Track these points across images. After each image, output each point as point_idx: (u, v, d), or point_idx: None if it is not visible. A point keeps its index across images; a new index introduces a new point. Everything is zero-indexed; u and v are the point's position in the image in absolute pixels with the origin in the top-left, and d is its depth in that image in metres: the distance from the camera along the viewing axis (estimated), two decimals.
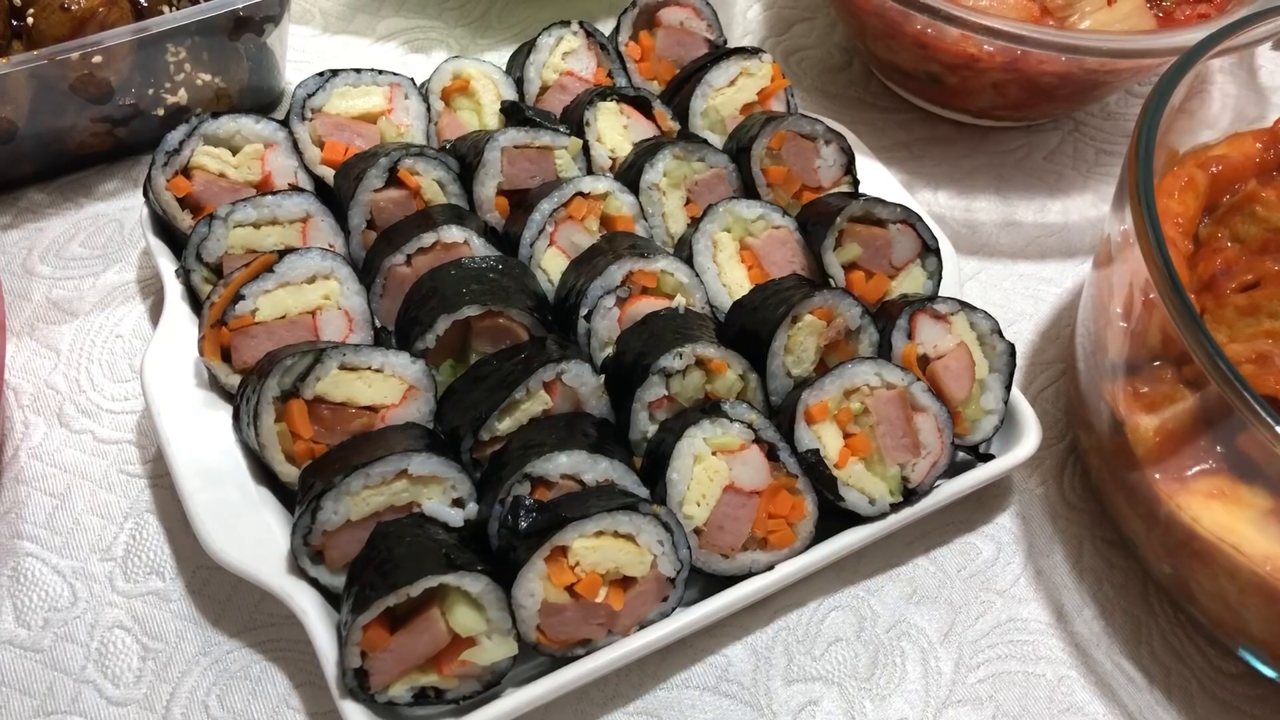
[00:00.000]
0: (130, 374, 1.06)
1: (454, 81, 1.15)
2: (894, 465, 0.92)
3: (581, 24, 1.19)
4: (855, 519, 0.91)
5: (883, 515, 0.91)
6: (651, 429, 0.91)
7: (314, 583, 0.85)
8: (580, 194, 1.03)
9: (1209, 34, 0.97)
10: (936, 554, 0.98)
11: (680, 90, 1.17)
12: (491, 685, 0.82)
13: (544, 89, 1.17)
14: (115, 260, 1.14)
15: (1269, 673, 0.90)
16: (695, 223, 1.04)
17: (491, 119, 1.14)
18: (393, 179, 1.03)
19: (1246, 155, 1.03)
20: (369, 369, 0.90)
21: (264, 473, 0.91)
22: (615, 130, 1.11)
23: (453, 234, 0.99)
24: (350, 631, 0.78)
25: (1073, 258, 1.20)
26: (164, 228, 1.06)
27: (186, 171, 1.04)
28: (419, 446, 0.86)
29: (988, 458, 0.96)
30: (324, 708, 0.87)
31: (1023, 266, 1.19)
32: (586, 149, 1.10)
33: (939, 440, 0.93)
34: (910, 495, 0.92)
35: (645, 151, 1.07)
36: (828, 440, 0.91)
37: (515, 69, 1.19)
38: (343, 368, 0.89)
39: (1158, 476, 0.88)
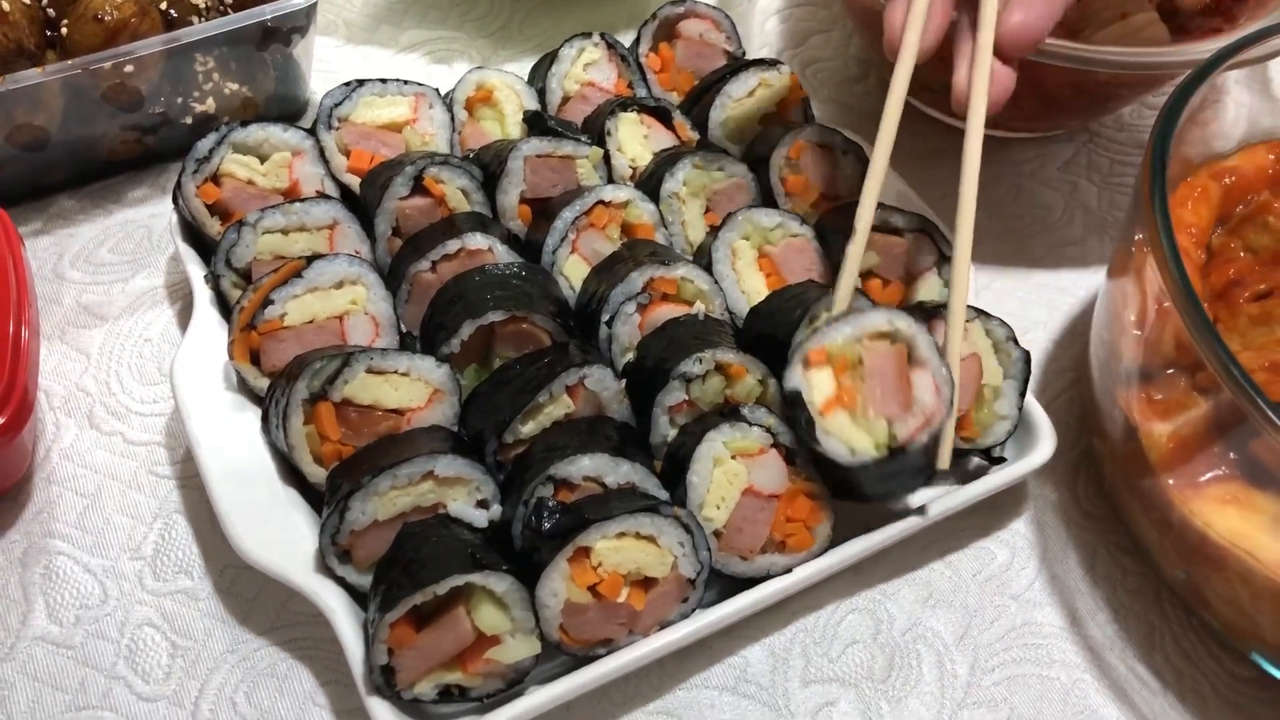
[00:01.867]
0: (159, 377, 1.07)
1: (477, 92, 1.17)
2: (880, 419, 0.87)
3: (603, 35, 1.21)
4: (872, 524, 0.93)
5: (863, 466, 0.86)
6: (672, 433, 0.93)
7: (341, 582, 0.87)
8: (601, 202, 1.04)
9: (1223, 48, 0.98)
10: (952, 558, 0.99)
11: (700, 101, 1.19)
12: (515, 683, 0.84)
13: (566, 99, 1.19)
14: (144, 266, 1.16)
15: None
16: (714, 231, 1.05)
17: (514, 129, 1.16)
18: (418, 187, 1.05)
19: (1259, 167, 1.05)
20: (396, 373, 0.92)
21: (292, 474, 0.93)
22: (636, 140, 1.13)
23: (477, 241, 1.01)
24: (378, 629, 0.80)
25: (1087, 267, 1.21)
26: (193, 234, 1.08)
27: (216, 178, 1.06)
28: (445, 449, 0.87)
29: (1000, 460, 0.98)
30: (349, 705, 0.89)
31: (1037, 275, 1.21)
32: (608, 158, 1.12)
33: (935, 400, 0.87)
34: (896, 454, 0.86)
35: (665, 161, 1.09)
36: (817, 385, 0.88)
37: (537, 79, 1.21)
38: (370, 371, 0.91)
39: (1171, 482, 0.89)
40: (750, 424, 0.90)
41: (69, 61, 1.07)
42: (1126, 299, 0.95)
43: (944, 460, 0.89)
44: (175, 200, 1.07)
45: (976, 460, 1.00)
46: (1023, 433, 0.99)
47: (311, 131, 1.10)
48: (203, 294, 1.03)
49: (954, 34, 0.93)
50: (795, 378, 0.87)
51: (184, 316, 1.11)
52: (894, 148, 1.29)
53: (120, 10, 1.10)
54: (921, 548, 0.99)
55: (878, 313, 0.89)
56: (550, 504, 0.85)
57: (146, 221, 1.19)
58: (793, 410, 0.87)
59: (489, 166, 1.09)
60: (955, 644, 0.94)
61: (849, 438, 0.87)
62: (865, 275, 1.03)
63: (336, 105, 1.11)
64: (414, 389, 0.92)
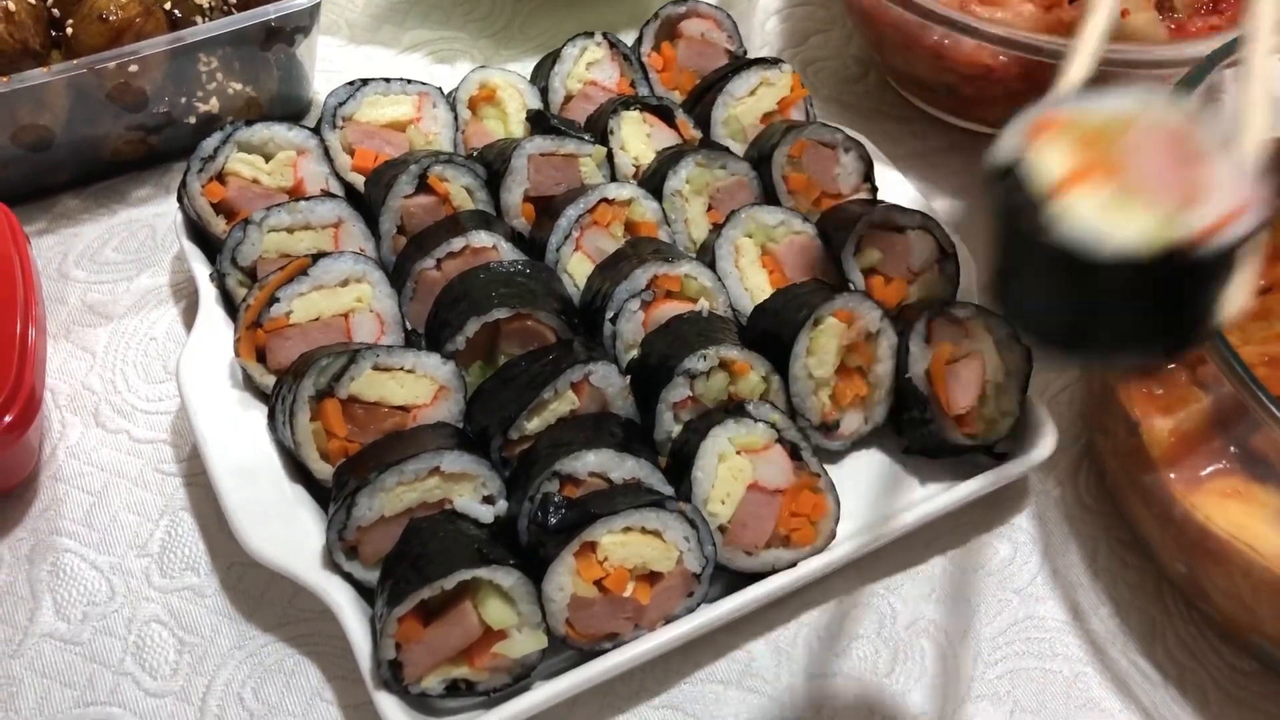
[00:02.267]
0: (164, 375, 1.08)
1: (480, 91, 1.18)
2: (1156, 207, 0.57)
3: (605, 35, 1.22)
4: (875, 520, 0.93)
5: (1122, 269, 0.56)
6: (676, 429, 0.93)
7: (348, 577, 0.87)
8: (605, 200, 1.05)
9: (1221, 45, 0.99)
10: (954, 553, 1.00)
11: (702, 99, 1.19)
12: (521, 678, 0.84)
13: (568, 98, 1.19)
14: (148, 265, 1.16)
15: None
16: (718, 228, 1.06)
17: (517, 127, 1.17)
18: (422, 185, 1.06)
19: None
20: (401, 369, 0.92)
21: (298, 471, 0.93)
22: (639, 138, 1.14)
23: (481, 239, 1.01)
24: (385, 624, 0.80)
25: None
26: (197, 232, 1.08)
27: (221, 177, 1.07)
28: (451, 445, 0.88)
29: (1003, 457, 0.98)
30: (356, 700, 0.89)
31: None
32: (611, 157, 1.12)
33: (1239, 190, 0.57)
34: (1181, 255, 0.55)
35: (668, 159, 1.10)
36: (1048, 159, 0.59)
37: (540, 79, 1.22)
38: (376, 368, 0.91)
39: (1172, 477, 0.90)
40: (755, 420, 0.91)
41: (74, 61, 1.08)
42: None
43: (1236, 299, 0.59)
44: (180, 199, 1.08)
45: (979, 456, 1.01)
46: (1024, 429, 0.99)
47: (316, 130, 1.11)
48: (208, 292, 1.03)
49: None
50: (1011, 146, 0.60)
51: (189, 315, 1.11)
52: (893, 147, 1.30)
53: (125, 10, 1.11)
54: (924, 543, 0.99)
55: (1136, 90, 0.62)
56: (556, 499, 0.85)
57: (151, 221, 1.20)
58: (1000, 190, 0.59)
59: (493, 165, 1.09)
60: (958, 638, 0.95)
61: (1111, 219, 0.56)
62: (867, 273, 1.04)
63: (341, 104, 1.12)
64: (420, 386, 0.93)
